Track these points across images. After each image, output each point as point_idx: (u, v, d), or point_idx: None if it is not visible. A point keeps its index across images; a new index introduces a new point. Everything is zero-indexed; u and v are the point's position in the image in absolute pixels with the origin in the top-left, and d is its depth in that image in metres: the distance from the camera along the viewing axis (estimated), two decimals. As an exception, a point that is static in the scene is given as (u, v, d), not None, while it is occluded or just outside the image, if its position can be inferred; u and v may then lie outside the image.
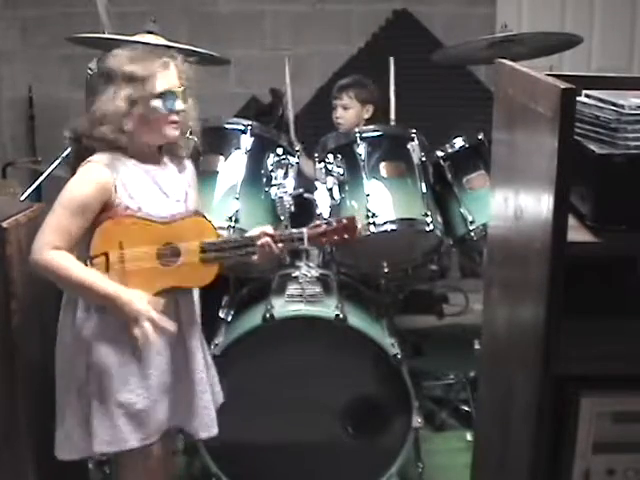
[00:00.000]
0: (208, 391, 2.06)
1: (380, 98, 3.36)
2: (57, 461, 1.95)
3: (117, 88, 1.87)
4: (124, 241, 1.85)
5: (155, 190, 1.95)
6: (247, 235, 2.07)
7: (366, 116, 3.34)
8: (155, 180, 1.96)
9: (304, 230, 2.07)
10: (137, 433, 1.94)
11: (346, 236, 2.09)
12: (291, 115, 3.17)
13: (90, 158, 1.89)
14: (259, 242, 2.01)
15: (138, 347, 1.87)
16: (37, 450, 2.09)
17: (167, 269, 1.92)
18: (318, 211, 2.63)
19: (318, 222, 2.13)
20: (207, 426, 2.07)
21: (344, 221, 2.10)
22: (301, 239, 2.06)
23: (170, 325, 1.87)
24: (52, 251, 1.82)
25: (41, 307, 2.09)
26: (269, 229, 2.06)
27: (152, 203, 1.92)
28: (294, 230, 2.11)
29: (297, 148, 2.84)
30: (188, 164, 2.08)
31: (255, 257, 2.03)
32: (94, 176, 1.86)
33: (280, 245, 2.04)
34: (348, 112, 3.35)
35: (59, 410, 1.97)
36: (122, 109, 1.87)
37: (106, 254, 1.84)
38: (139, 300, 1.84)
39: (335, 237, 2.09)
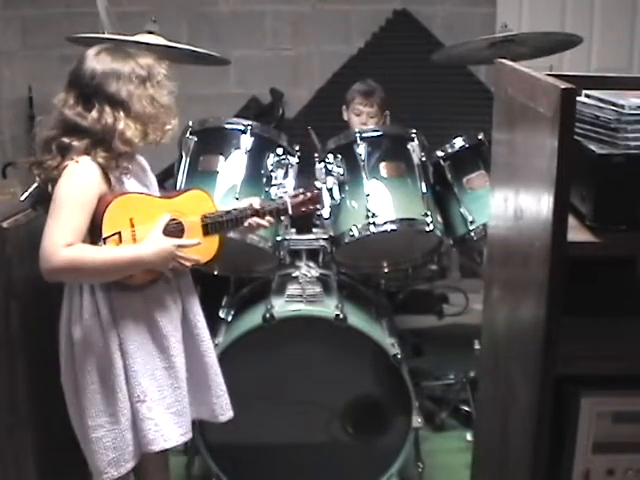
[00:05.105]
0: (220, 373, 2.08)
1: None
2: (57, 454, 1.95)
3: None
4: (135, 217, 1.84)
5: (136, 184, 1.95)
6: (240, 208, 2.12)
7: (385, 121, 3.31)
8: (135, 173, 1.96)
9: (287, 200, 2.20)
10: (178, 429, 1.95)
11: (318, 206, 2.27)
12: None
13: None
14: (247, 219, 2.10)
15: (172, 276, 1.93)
16: (38, 443, 2.09)
17: None
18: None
19: (296, 192, 2.27)
20: (225, 409, 2.10)
21: (315, 192, 2.26)
22: (285, 209, 2.20)
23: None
24: (66, 249, 1.73)
25: (41, 306, 2.09)
26: (256, 203, 2.14)
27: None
28: (278, 201, 2.25)
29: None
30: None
31: (245, 228, 2.14)
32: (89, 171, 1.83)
33: (268, 218, 2.15)
34: (373, 119, 3.26)
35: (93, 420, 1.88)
36: None
37: (119, 233, 1.81)
38: (163, 243, 1.86)
39: (310, 207, 2.24)
